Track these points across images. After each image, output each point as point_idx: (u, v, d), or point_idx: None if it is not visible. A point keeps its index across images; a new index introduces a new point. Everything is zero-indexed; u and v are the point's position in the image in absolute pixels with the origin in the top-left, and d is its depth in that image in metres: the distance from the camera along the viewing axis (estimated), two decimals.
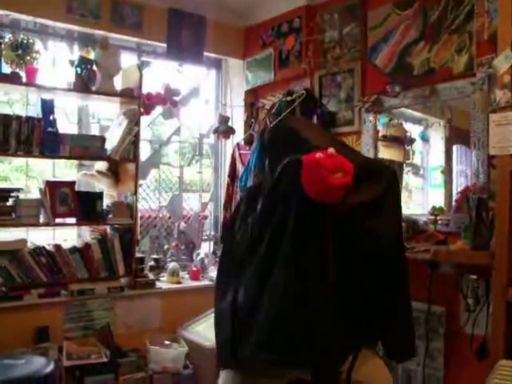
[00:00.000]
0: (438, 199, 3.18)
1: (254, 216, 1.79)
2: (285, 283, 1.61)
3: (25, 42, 3.21)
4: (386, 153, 3.43)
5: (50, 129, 3.25)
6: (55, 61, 3.67)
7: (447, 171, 3.17)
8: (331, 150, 1.60)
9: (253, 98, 4.33)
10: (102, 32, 3.68)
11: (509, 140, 2.21)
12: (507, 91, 2.25)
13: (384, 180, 1.74)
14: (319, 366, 1.64)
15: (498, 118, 2.26)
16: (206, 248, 4.43)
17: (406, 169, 3.44)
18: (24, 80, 3.23)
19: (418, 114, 3.33)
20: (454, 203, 2.96)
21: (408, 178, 3.46)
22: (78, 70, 3.40)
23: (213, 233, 4.50)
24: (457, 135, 3.12)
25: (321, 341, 1.59)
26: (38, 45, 3.35)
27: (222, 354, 1.85)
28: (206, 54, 4.20)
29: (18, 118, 3.15)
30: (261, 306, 1.64)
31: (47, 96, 3.34)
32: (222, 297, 1.85)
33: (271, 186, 1.73)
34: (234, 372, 1.83)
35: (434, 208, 2.95)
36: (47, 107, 3.28)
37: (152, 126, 4.30)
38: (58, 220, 3.34)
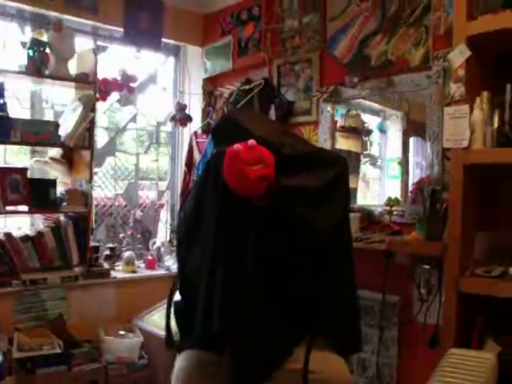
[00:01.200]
0: (394, 190, 3.22)
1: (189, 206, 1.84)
2: (210, 270, 1.67)
3: None
4: (343, 143, 3.46)
5: None
6: (5, 42, 3.53)
7: (404, 163, 3.21)
8: (251, 141, 1.60)
9: (211, 86, 4.29)
10: (55, 13, 3.56)
11: (462, 133, 2.25)
12: (461, 85, 2.28)
13: (331, 171, 1.75)
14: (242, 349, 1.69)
15: (452, 111, 2.30)
16: (162, 237, 4.39)
17: (363, 159, 3.47)
18: None
19: (376, 106, 3.36)
20: (409, 194, 3.01)
21: (365, 169, 3.50)
22: (31, 52, 3.27)
23: (169, 221, 4.46)
24: (414, 127, 3.16)
25: (244, 325, 1.64)
26: None
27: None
28: (164, 40, 4.12)
29: None
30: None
31: None
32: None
33: (200, 176, 1.75)
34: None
35: (389, 199, 2.98)
36: None
37: (108, 112, 4.20)
38: (9, 208, 3.24)
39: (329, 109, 3.38)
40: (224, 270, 1.64)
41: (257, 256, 1.62)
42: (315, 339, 1.74)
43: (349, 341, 1.86)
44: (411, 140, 3.21)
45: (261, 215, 1.63)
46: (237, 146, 1.57)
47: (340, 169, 1.81)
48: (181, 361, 1.91)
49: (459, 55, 2.26)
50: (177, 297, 2.01)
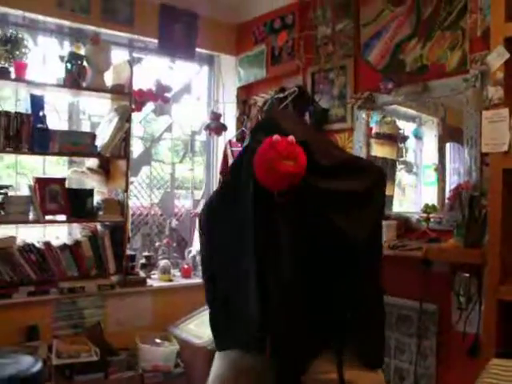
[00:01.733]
0: (430, 197, 3.16)
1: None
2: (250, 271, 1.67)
3: (14, 36, 3.17)
4: (378, 150, 3.42)
5: (39, 125, 3.21)
6: (45, 56, 3.63)
7: (440, 169, 3.16)
8: (291, 137, 1.58)
9: (245, 94, 4.30)
10: (92, 27, 3.65)
11: (501, 137, 2.19)
12: (500, 88, 2.23)
13: (368, 178, 1.72)
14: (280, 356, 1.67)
15: (491, 115, 2.25)
16: (197, 246, 4.40)
17: (398, 166, 3.42)
18: (13, 75, 3.19)
19: (411, 112, 3.31)
20: (446, 201, 2.95)
21: (401, 176, 3.45)
22: (69, 65, 3.36)
23: None
24: (450, 133, 3.10)
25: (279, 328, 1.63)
26: (28, 40, 3.31)
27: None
28: (198, 50, 4.17)
29: (7, 113, 3.10)
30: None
31: (37, 92, 3.31)
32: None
33: (233, 163, 1.73)
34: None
35: (426, 206, 2.93)
36: (37, 103, 3.24)
37: (144, 122, 4.26)
38: (47, 217, 3.30)
39: (363, 115, 3.35)
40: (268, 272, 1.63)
41: (295, 259, 1.61)
42: (346, 348, 1.71)
43: (371, 355, 1.81)
44: (447, 146, 3.15)
45: (296, 219, 1.62)
46: (276, 137, 1.56)
47: (377, 176, 1.78)
48: (218, 367, 1.90)
49: (497, 57, 2.21)
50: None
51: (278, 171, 1.52)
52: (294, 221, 1.62)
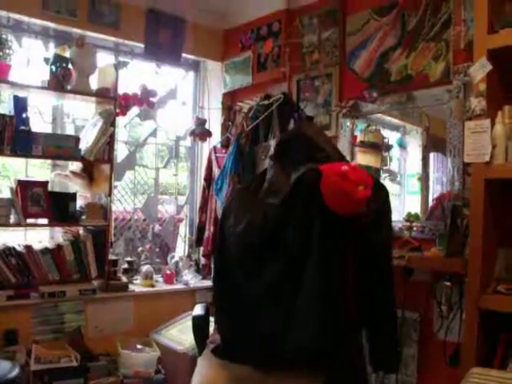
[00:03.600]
0: (414, 206, 3.18)
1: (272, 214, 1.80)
2: (319, 289, 1.67)
3: None
4: (362, 159, 3.43)
5: (22, 127, 3.17)
6: (30, 58, 3.60)
7: (424, 178, 3.18)
8: (354, 163, 1.68)
9: (230, 100, 4.31)
10: (78, 30, 3.63)
11: (483, 148, 2.22)
12: (482, 99, 2.26)
13: (382, 193, 1.83)
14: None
15: (473, 125, 2.27)
16: (180, 251, 4.39)
17: (382, 175, 3.44)
18: None
19: (395, 121, 3.34)
20: (429, 210, 2.97)
21: (385, 185, 3.46)
22: (53, 68, 3.33)
23: (188, 236, 4.46)
24: (434, 142, 3.13)
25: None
26: (12, 41, 3.27)
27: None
28: (184, 55, 4.17)
29: None
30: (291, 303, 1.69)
31: (21, 94, 3.27)
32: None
33: (288, 193, 1.74)
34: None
35: (409, 214, 2.95)
36: (20, 105, 3.20)
37: (128, 127, 4.24)
38: (29, 220, 3.27)
39: (348, 124, 3.37)
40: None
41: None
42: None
43: (392, 355, 1.89)
44: (431, 155, 3.17)
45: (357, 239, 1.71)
46: (344, 167, 1.60)
47: (386, 191, 1.88)
48: (204, 375, 1.88)
49: (480, 69, 2.24)
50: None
51: (358, 198, 1.58)
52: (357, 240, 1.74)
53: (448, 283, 2.70)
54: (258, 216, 1.79)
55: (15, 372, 2.48)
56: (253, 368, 1.77)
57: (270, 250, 1.73)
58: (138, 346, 3.45)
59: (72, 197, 3.47)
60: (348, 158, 3.32)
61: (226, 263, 1.91)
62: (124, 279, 3.71)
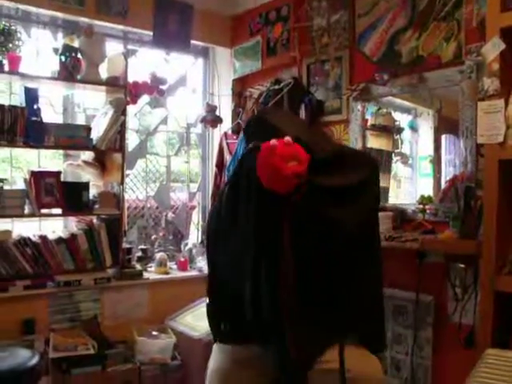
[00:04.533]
0: (426, 188, 3.17)
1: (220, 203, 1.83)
2: (251, 269, 1.66)
3: (7, 29, 3.14)
4: (374, 142, 3.42)
5: (34, 118, 3.19)
6: (39, 49, 3.61)
7: (436, 160, 3.16)
8: (288, 138, 1.59)
9: (240, 86, 4.29)
10: (86, 19, 3.62)
11: (497, 128, 2.19)
12: (495, 79, 2.23)
13: (362, 171, 1.74)
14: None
15: (486, 106, 2.25)
16: (193, 238, 4.40)
17: (394, 158, 3.42)
18: (6, 68, 3.16)
19: (406, 103, 3.31)
20: (442, 192, 2.96)
21: (396, 168, 3.45)
22: (63, 58, 3.34)
23: (201, 223, 4.47)
24: (446, 124, 3.10)
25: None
26: (21, 32, 3.28)
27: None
28: (193, 42, 4.15)
29: (1, 107, 3.08)
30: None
31: (31, 85, 3.29)
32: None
33: (233, 172, 1.74)
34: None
35: (422, 197, 2.94)
36: (31, 96, 3.22)
37: (139, 115, 4.25)
38: (43, 211, 3.30)
39: (359, 107, 3.35)
40: (268, 265, 1.65)
41: (293, 252, 1.63)
42: (347, 337, 1.72)
43: (373, 340, 1.84)
44: (443, 137, 3.15)
45: (295, 213, 1.63)
46: (273, 142, 1.57)
47: (371, 169, 1.80)
48: (216, 360, 1.90)
49: (493, 48, 2.21)
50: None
51: (285, 174, 1.54)
52: (300, 219, 1.64)
53: (462, 265, 2.69)
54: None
55: (35, 360, 2.52)
56: (257, 345, 1.78)
57: (231, 231, 1.77)
58: (154, 333, 3.48)
59: (85, 186, 3.49)
60: (359, 141, 3.32)
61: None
62: (138, 267, 3.74)
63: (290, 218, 1.63)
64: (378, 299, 1.87)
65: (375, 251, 1.86)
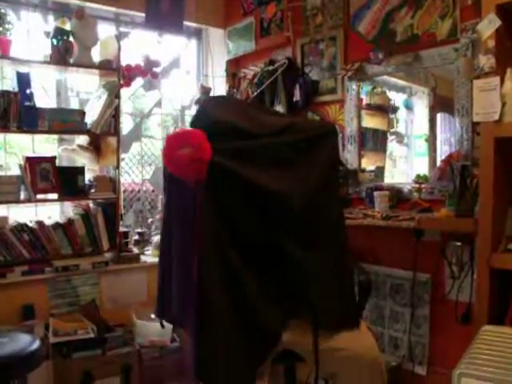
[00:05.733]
0: (422, 167, 3.17)
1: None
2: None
3: None
4: (369, 121, 3.42)
5: (27, 103, 3.16)
6: (30, 32, 3.56)
7: (431, 139, 3.16)
8: (186, 128, 1.62)
9: (234, 67, 4.26)
10: (77, 1, 3.57)
11: (493, 106, 2.19)
12: (491, 56, 2.21)
13: (303, 134, 1.67)
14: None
15: (482, 83, 2.23)
16: None
17: (389, 137, 3.43)
18: None
19: (401, 82, 3.30)
20: (437, 171, 2.96)
21: (392, 147, 3.45)
22: (54, 41, 3.30)
23: None
24: (441, 103, 3.10)
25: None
26: (11, 15, 3.24)
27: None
28: (185, 23, 4.10)
29: None
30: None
31: (23, 69, 3.25)
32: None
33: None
34: None
35: (418, 176, 2.95)
36: (23, 81, 3.18)
37: (133, 98, 4.22)
38: (39, 196, 3.28)
39: (354, 87, 3.33)
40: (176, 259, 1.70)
41: (218, 239, 1.58)
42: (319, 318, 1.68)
43: (342, 317, 1.77)
44: (438, 116, 3.15)
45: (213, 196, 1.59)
46: (168, 135, 1.59)
47: (319, 131, 1.72)
48: None
49: (488, 25, 2.19)
50: None
51: (177, 160, 1.53)
52: (214, 199, 1.60)
53: (459, 243, 2.71)
54: None
55: (36, 345, 2.52)
56: None
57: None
58: (153, 316, 3.49)
59: (80, 171, 3.48)
60: (355, 121, 3.32)
61: None
62: (135, 250, 3.75)
63: (207, 203, 1.59)
64: (344, 275, 1.78)
65: (335, 226, 1.74)
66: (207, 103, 2.08)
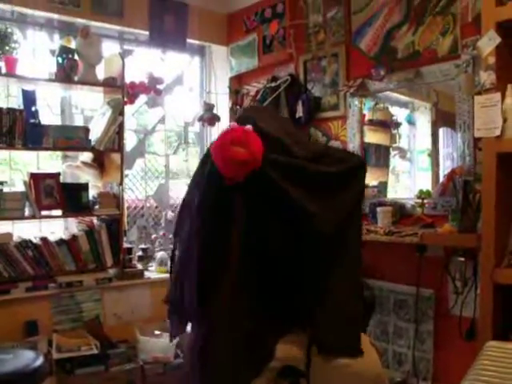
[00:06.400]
0: (425, 182, 3.18)
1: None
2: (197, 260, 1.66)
3: (3, 31, 3.15)
4: (372, 137, 3.43)
5: (32, 120, 3.20)
6: (35, 50, 3.61)
7: (434, 154, 3.17)
8: (248, 126, 1.59)
9: (237, 84, 4.30)
10: (82, 20, 3.62)
11: (494, 122, 2.20)
12: (492, 73, 2.24)
13: (342, 166, 1.70)
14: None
15: (483, 99, 2.26)
16: None
17: (392, 152, 3.44)
18: (3, 71, 3.17)
19: (403, 98, 3.32)
20: (440, 186, 2.97)
21: (395, 162, 3.46)
22: (60, 59, 3.34)
23: None
24: (443, 118, 3.12)
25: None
26: (17, 34, 3.28)
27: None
28: (189, 40, 4.15)
29: None
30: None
31: (28, 87, 3.29)
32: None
33: (199, 163, 1.74)
34: None
35: (421, 191, 2.95)
36: (28, 98, 3.22)
37: (137, 115, 4.25)
38: (43, 212, 3.30)
39: (356, 103, 3.36)
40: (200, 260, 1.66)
41: (245, 246, 1.59)
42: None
43: (343, 343, 1.77)
44: (441, 131, 3.16)
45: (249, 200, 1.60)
46: (232, 124, 1.56)
47: (355, 163, 1.76)
48: None
49: (489, 42, 2.22)
50: None
51: (227, 156, 1.53)
52: (251, 205, 1.60)
53: (462, 259, 2.71)
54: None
55: (39, 361, 2.53)
56: None
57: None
58: (156, 332, 3.49)
59: (84, 187, 3.50)
60: (357, 137, 3.34)
61: None
62: (139, 266, 3.75)
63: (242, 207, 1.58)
64: (350, 305, 1.79)
65: (349, 259, 1.80)
66: (250, 111, 2.09)
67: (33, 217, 3.25)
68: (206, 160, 1.72)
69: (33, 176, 3.30)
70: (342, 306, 1.73)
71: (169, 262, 1.89)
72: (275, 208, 1.61)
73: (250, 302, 1.63)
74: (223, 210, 1.61)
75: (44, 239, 3.32)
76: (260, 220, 1.61)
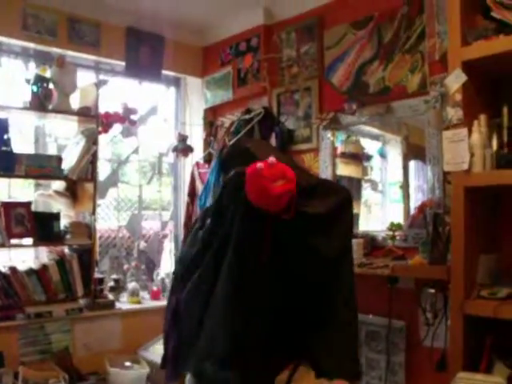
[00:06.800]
0: (396, 214, 3.22)
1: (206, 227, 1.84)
2: (224, 295, 1.68)
3: None
4: (344, 169, 3.48)
5: (3, 148, 3.18)
6: (10, 79, 3.59)
7: (405, 187, 3.23)
8: (272, 158, 1.64)
9: (212, 116, 4.34)
10: (59, 50, 3.63)
11: (462, 156, 2.27)
12: (459, 109, 2.31)
13: (335, 199, 1.80)
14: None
15: (451, 134, 2.32)
16: (166, 267, 4.38)
17: (364, 185, 3.48)
18: None
19: (375, 131, 3.38)
20: (411, 218, 3.02)
21: (367, 194, 3.51)
22: (34, 88, 3.34)
23: (173, 251, 4.46)
24: (413, 151, 3.18)
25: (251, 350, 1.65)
26: None
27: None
28: (164, 72, 4.19)
29: None
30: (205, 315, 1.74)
31: (1, 114, 3.27)
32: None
33: (217, 197, 1.78)
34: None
35: (392, 224, 2.99)
36: (1, 126, 3.20)
37: (111, 144, 4.25)
38: (13, 241, 3.25)
39: (329, 136, 3.41)
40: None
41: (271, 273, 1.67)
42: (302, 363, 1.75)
43: (347, 366, 1.83)
44: (411, 164, 3.22)
45: (277, 234, 1.67)
46: (259, 165, 1.61)
47: (345, 197, 1.86)
48: None
49: (455, 80, 2.30)
50: None
51: (274, 194, 1.59)
52: (282, 241, 1.69)
53: (432, 290, 2.73)
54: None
55: None
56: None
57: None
58: (127, 364, 3.43)
59: (56, 216, 3.47)
60: (330, 169, 3.38)
61: None
62: (110, 297, 3.71)
63: (271, 237, 1.66)
64: (350, 325, 1.88)
65: (350, 277, 1.90)
66: (247, 143, 2.14)
67: (2, 245, 3.20)
68: (222, 195, 1.76)
69: (3, 204, 3.26)
70: (342, 331, 1.83)
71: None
72: (295, 234, 1.69)
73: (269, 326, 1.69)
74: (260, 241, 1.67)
75: (12, 269, 3.26)
76: (283, 246, 1.69)
